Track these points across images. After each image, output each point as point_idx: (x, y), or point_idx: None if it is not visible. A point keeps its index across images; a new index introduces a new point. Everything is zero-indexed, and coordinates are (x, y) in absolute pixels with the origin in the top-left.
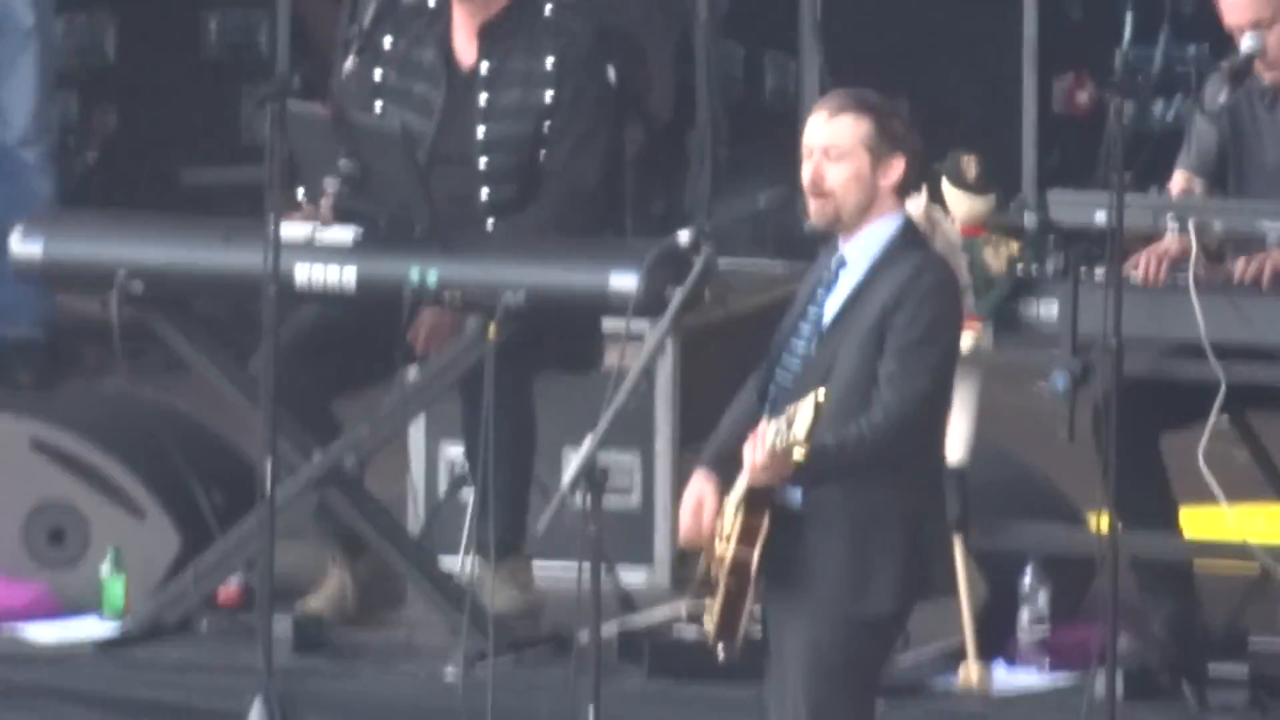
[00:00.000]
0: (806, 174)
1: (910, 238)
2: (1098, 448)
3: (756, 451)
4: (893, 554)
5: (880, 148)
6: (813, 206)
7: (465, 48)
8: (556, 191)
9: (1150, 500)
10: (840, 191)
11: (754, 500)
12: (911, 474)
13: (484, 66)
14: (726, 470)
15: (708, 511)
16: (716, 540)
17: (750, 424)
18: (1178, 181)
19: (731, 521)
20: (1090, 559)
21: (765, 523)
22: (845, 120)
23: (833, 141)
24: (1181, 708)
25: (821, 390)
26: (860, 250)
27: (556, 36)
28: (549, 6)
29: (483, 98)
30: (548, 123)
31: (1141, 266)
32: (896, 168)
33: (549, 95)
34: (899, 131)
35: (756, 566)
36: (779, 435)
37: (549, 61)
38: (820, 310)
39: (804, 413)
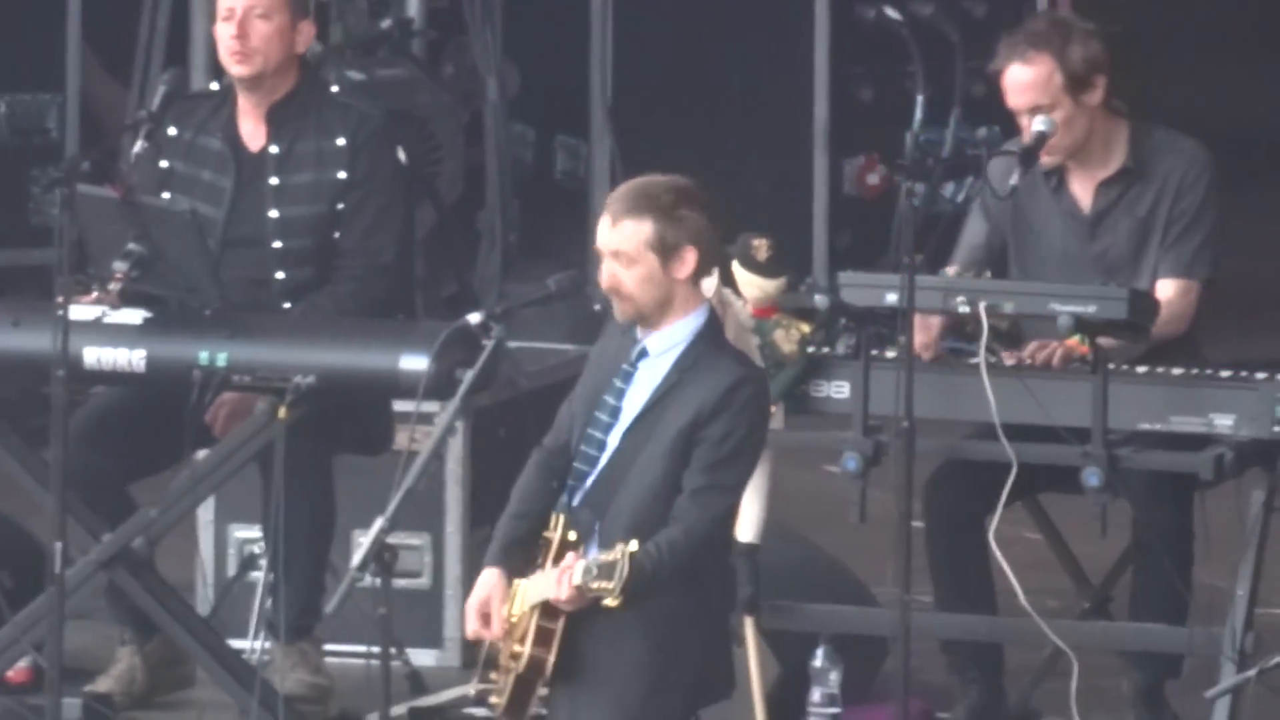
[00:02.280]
0: (604, 277)
1: (714, 335)
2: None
3: (563, 588)
4: (687, 656)
5: (667, 246)
6: (615, 307)
7: (252, 132)
8: (352, 269)
9: (972, 582)
10: (637, 293)
11: (550, 608)
12: (708, 577)
13: (273, 149)
14: (514, 559)
15: (495, 614)
16: (506, 629)
17: (540, 512)
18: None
19: (522, 615)
20: (882, 639)
21: (560, 626)
22: (627, 226)
23: (620, 248)
24: None
25: (634, 542)
26: (662, 343)
27: (346, 116)
28: (334, 89)
29: (273, 180)
30: (341, 203)
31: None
32: (689, 261)
33: (342, 174)
34: (684, 221)
35: (551, 666)
36: (588, 576)
37: (340, 141)
38: (619, 403)
39: (619, 566)
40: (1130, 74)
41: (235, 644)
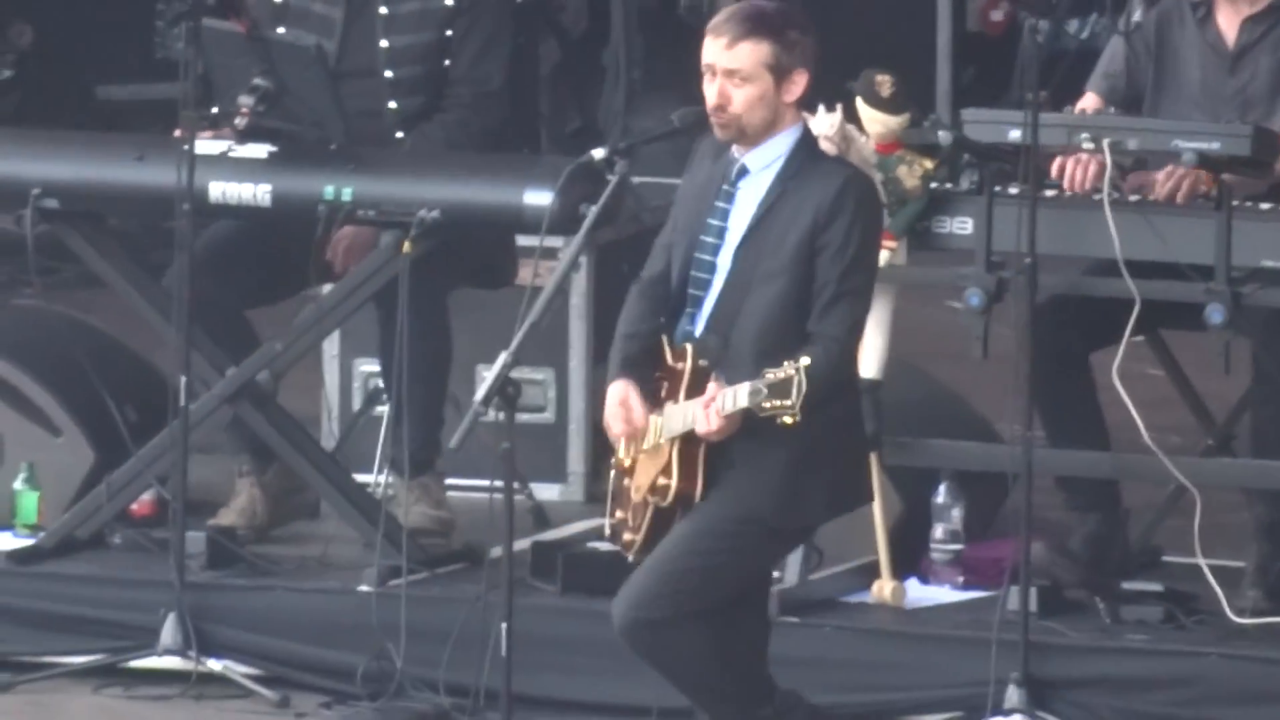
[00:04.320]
0: (711, 95)
1: (810, 147)
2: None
3: (712, 419)
4: (825, 465)
5: (781, 68)
6: (717, 124)
7: None
8: (461, 96)
9: (1080, 417)
10: (745, 112)
11: (689, 439)
12: (847, 387)
13: None
14: (634, 372)
15: (634, 410)
16: (635, 461)
17: (649, 334)
18: (1086, 103)
19: (656, 448)
20: (1003, 475)
21: (702, 454)
22: (745, 47)
23: (735, 66)
24: (1095, 623)
25: (805, 360)
26: (762, 159)
27: None
28: None
29: (383, 10)
30: (449, 29)
31: (1067, 171)
32: (799, 83)
33: (449, 1)
34: (797, 45)
35: (699, 495)
36: (757, 397)
37: None
38: (724, 223)
39: (796, 382)
40: None
41: (360, 478)
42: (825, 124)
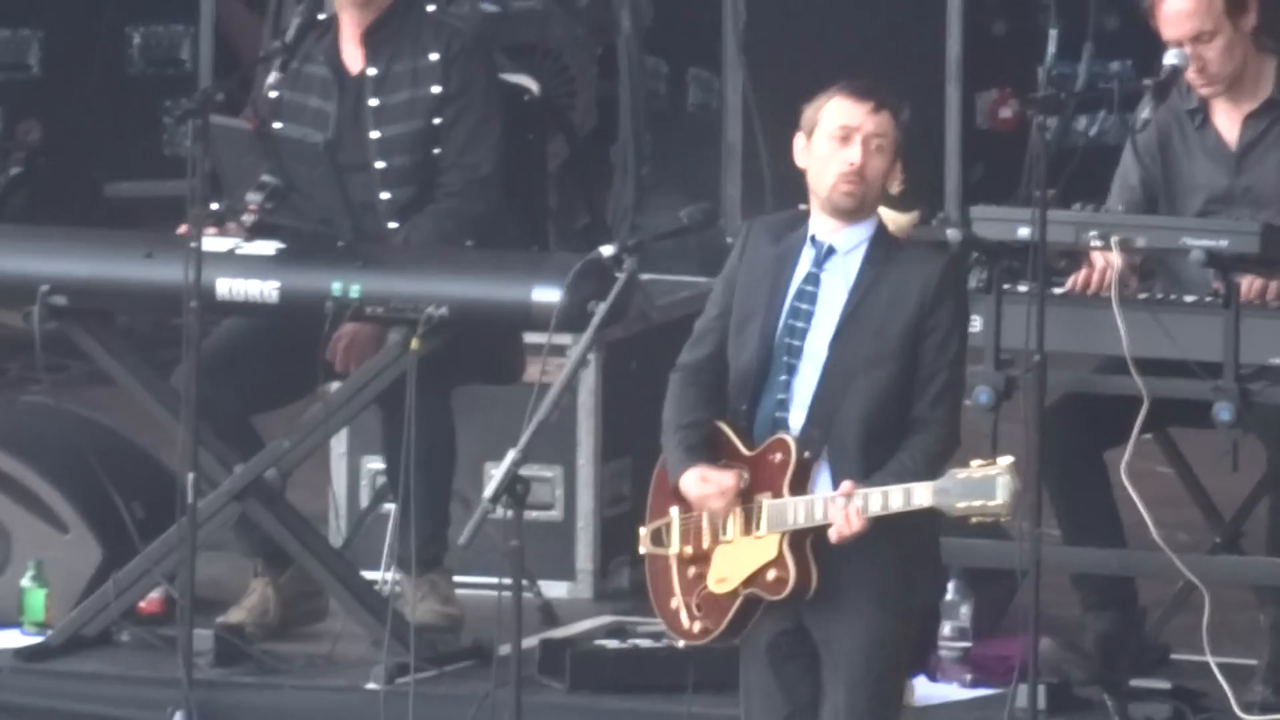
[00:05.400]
0: (854, 156)
1: (886, 233)
2: (1041, 460)
3: (853, 519)
4: (928, 548)
5: (898, 145)
6: (848, 188)
7: (352, 55)
8: (452, 185)
9: (1094, 514)
10: (875, 181)
11: (799, 534)
12: None
13: (371, 71)
14: (700, 460)
15: (726, 483)
16: (713, 543)
17: (707, 421)
18: None
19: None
20: (1012, 572)
21: (810, 546)
22: (886, 115)
23: (879, 132)
24: None
25: (1008, 456)
26: (850, 240)
27: (439, 31)
28: (431, 7)
29: (373, 102)
30: (438, 118)
31: (1082, 279)
32: (898, 171)
33: (436, 88)
34: (902, 126)
35: (815, 588)
36: (946, 498)
37: (433, 57)
38: (812, 305)
39: (1005, 482)
40: (1276, 6)
41: (368, 575)
42: None
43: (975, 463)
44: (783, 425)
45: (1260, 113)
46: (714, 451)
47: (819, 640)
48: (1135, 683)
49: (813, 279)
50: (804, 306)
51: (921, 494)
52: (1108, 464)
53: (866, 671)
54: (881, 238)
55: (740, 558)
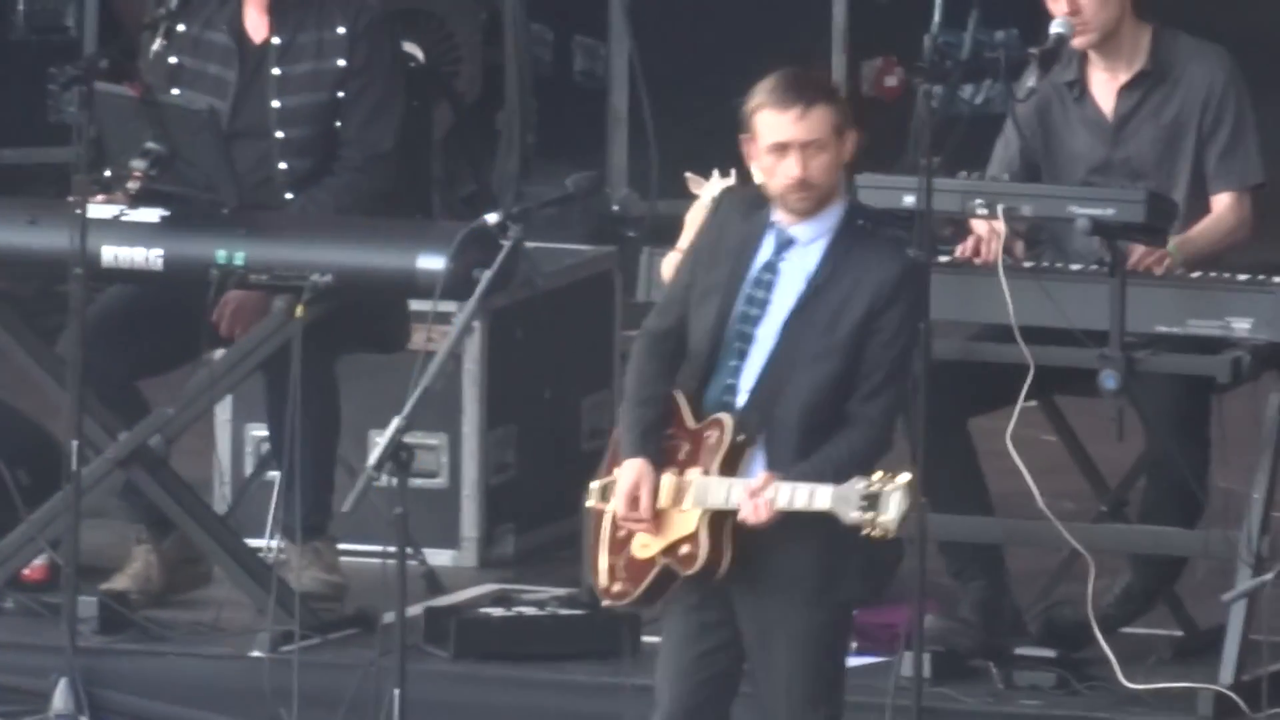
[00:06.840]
0: (792, 170)
1: (856, 219)
2: (906, 430)
3: (760, 512)
4: (855, 541)
5: (841, 130)
6: (798, 199)
7: (256, 24)
8: (351, 159)
9: (960, 483)
10: (824, 182)
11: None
12: None
13: (276, 40)
14: (652, 446)
15: (645, 501)
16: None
17: (662, 397)
18: None
19: (672, 510)
20: (897, 541)
21: (730, 527)
22: (815, 114)
23: (812, 136)
24: (988, 689)
25: (906, 474)
26: (811, 232)
27: (346, 5)
28: None
29: (275, 71)
30: (341, 91)
31: (971, 247)
32: (852, 143)
33: (341, 61)
34: (844, 103)
35: (726, 568)
36: (843, 505)
37: (340, 29)
38: (768, 295)
39: (894, 498)
40: None
41: (252, 543)
42: (717, 189)
43: (877, 475)
44: (729, 410)
45: (1134, 84)
46: (664, 420)
47: (751, 635)
48: (1020, 651)
49: (771, 267)
50: (759, 294)
51: (823, 497)
52: (992, 432)
53: (802, 663)
54: (848, 228)
55: (664, 527)
